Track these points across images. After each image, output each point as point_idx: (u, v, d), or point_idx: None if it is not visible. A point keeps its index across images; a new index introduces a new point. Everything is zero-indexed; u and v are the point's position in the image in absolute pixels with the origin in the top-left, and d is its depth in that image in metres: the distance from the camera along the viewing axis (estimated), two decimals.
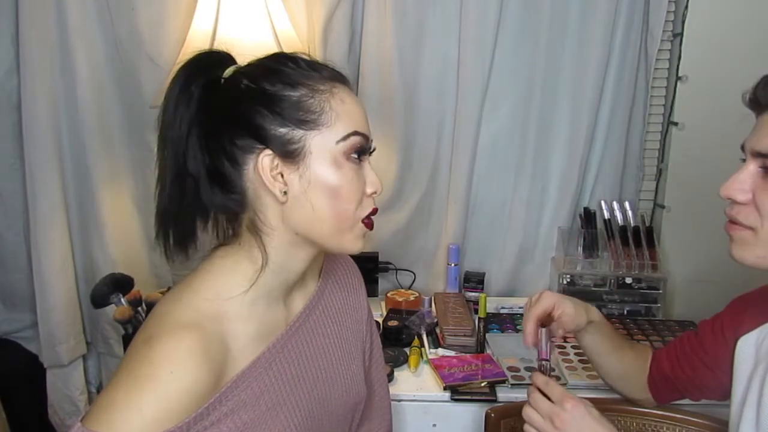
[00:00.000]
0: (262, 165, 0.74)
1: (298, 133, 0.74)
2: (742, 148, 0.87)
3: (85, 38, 1.67)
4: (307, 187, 0.75)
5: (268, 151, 0.74)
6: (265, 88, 0.74)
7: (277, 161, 0.74)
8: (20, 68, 1.66)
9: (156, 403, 0.66)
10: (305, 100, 0.74)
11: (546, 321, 1.09)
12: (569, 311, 1.09)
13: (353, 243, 0.80)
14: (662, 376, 1.14)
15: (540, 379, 0.97)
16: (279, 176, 0.74)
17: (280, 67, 0.76)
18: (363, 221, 0.79)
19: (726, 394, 1.02)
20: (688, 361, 1.09)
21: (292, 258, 0.80)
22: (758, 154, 0.83)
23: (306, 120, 0.74)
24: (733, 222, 0.87)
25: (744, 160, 0.86)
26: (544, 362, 1.02)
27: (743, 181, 0.85)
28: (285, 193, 0.75)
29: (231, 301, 0.77)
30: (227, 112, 0.75)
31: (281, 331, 0.83)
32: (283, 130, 0.74)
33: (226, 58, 0.79)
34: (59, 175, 1.72)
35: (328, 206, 0.76)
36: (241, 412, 0.75)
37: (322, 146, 0.75)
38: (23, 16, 1.62)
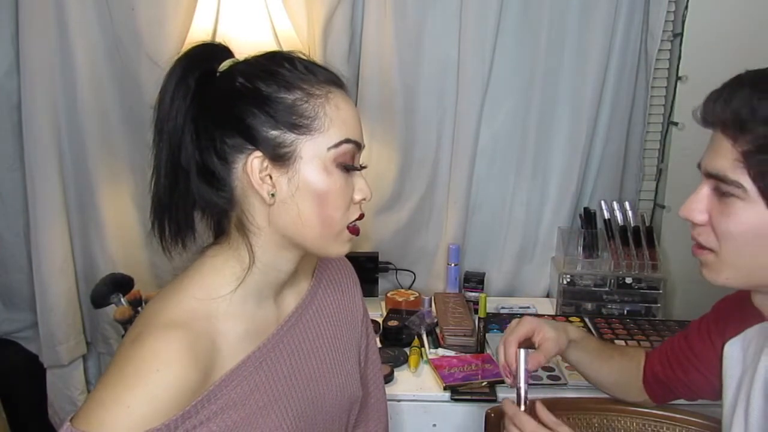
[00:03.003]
0: (252, 166, 0.73)
1: (289, 137, 0.73)
2: (699, 166, 0.85)
3: (85, 38, 1.67)
4: (295, 192, 0.74)
5: (258, 153, 0.73)
6: (260, 88, 0.73)
7: (266, 163, 0.73)
8: (20, 68, 1.66)
9: (143, 401, 0.66)
10: (300, 104, 0.74)
11: (526, 346, 1.03)
12: (550, 335, 1.06)
13: (338, 248, 0.80)
14: (656, 379, 1.14)
15: (510, 409, 0.93)
16: (267, 178, 0.74)
17: (276, 68, 0.75)
18: (348, 227, 0.79)
19: (719, 395, 1.02)
20: (679, 364, 1.09)
21: (280, 258, 0.80)
22: (709, 175, 0.81)
23: (299, 125, 0.73)
24: (696, 244, 0.85)
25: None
26: (520, 387, 0.96)
27: (699, 201, 0.82)
28: (272, 195, 0.74)
29: (220, 300, 0.77)
30: (220, 109, 0.74)
31: (272, 330, 0.83)
32: (274, 132, 0.73)
33: (223, 51, 0.78)
34: (59, 175, 1.72)
35: (314, 212, 0.75)
36: (231, 411, 0.75)
37: (313, 152, 0.74)
38: (23, 16, 1.62)
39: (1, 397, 1.64)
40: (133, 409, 0.66)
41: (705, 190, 0.82)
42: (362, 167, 0.80)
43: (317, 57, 1.71)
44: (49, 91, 1.67)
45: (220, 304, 0.77)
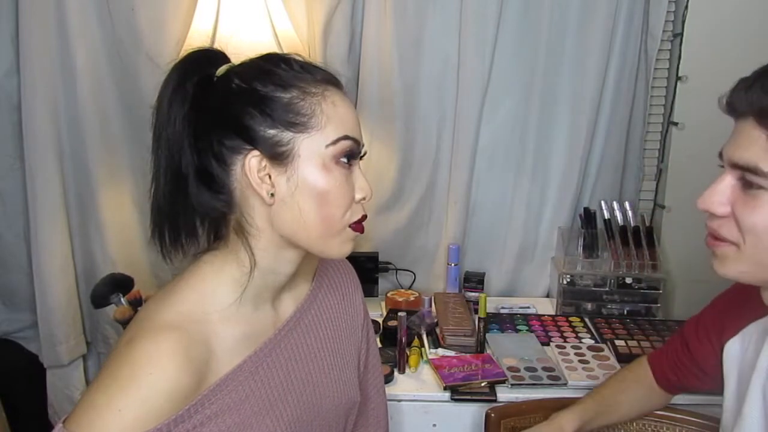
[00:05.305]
0: (250, 166, 0.73)
1: (287, 135, 0.73)
2: (720, 155, 0.81)
3: (85, 38, 1.67)
4: (295, 190, 0.74)
5: (256, 152, 0.73)
6: (256, 88, 0.74)
7: (264, 162, 0.74)
8: (20, 68, 1.66)
9: (135, 405, 0.66)
10: (296, 102, 0.74)
11: None
12: None
13: (340, 248, 0.79)
14: (670, 384, 1.15)
15: None
16: (266, 178, 0.74)
17: (272, 68, 0.75)
18: (351, 226, 0.79)
19: None
20: (688, 373, 1.10)
21: (280, 260, 0.79)
22: (736, 166, 0.77)
23: (296, 122, 0.73)
24: (714, 236, 0.81)
25: (723, 167, 0.80)
26: None
27: (722, 192, 0.78)
28: (272, 195, 0.74)
29: (216, 304, 0.76)
30: (217, 111, 0.74)
31: (269, 334, 0.82)
32: (272, 131, 0.73)
33: (220, 57, 0.78)
34: (59, 175, 1.72)
35: (315, 210, 0.75)
36: (225, 415, 0.74)
37: (312, 149, 0.74)
38: (23, 16, 1.62)
39: (1, 397, 1.64)
40: (125, 413, 0.65)
41: (728, 181, 0.78)
42: (363, 155, 0.80)
43: (317, 57, 1.71)
44: (49, 91, 1.67)
45: (215, 307, 0.76)
